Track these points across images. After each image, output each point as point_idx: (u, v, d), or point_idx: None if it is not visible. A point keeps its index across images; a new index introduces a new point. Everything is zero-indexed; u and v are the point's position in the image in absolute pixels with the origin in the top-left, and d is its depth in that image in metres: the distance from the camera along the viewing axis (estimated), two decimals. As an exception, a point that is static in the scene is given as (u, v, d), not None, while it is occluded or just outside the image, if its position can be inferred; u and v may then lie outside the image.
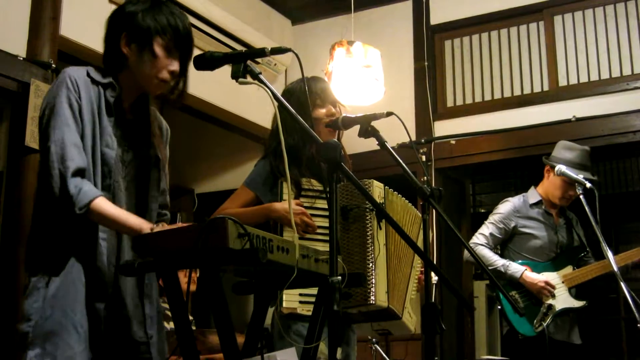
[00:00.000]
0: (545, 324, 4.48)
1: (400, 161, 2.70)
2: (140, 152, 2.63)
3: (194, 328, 4.96)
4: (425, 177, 4.04)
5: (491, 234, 4.71)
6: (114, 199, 2.49)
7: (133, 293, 2.58)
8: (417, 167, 5.38)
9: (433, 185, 2.98)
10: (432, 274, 3.24)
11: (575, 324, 4.62)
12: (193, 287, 5.49)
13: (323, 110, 3.29)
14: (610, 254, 4.05)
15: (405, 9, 6.55)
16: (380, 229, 3.11)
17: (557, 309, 4.50)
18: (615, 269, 4.02)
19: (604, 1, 5.87)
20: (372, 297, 3.03)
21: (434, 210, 2.73)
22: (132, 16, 2.54)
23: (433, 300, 2.76)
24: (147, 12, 2.53)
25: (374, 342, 5.48)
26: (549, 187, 4.70)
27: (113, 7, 4.95)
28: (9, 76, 4.15)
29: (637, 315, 3.86)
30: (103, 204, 2.37)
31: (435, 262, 4.84)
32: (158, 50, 2.51)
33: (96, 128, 2.47)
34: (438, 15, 6.42)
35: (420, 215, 3.34)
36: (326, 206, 3.10)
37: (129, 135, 2.60)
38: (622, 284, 3.93)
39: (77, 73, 2.49)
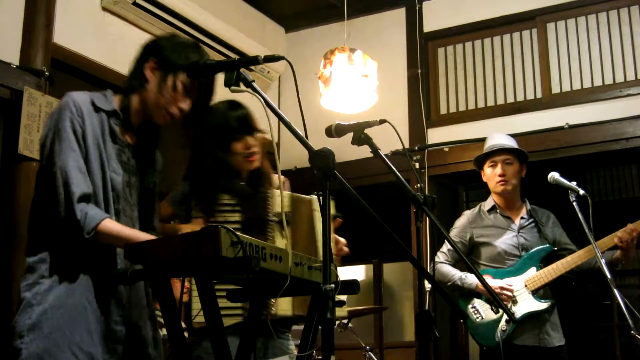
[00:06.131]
0: (506, 333, 4.42)
1: (394, 169, 2.70)
2: (144, 177, 2.67)
3: (186, 335, 4.95)
4: (418, 185, 4.03)
5: (449, 250, 4.69)
6: (124, 222, 2.52)
7: (144, 313, 2.61)
8: (410, 174, 5.40)
9: (426, 192, 2.98)
10: (426, 281, 3.23)
11: (548, 326, 4.50)
12: (186, 298, 5.47)
13: (240, 144, 3.23)
14: (603, 261, 4.04)
15: (399, 16, 6.56)
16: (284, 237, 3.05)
17: (518, 316, 4.44)
18: (604, 266, 3.98)
19: (597, 9, 5.90)
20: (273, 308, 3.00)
21: (427, 218, 2.73)
22: (165, 47, 2.61)
23: (427, 307, 2.76)
24: (183, 48, 2.60)
25: (368, 349, 5.48)
26: (489, 185, 4.71)
27: (106, 15, 5.02)
28: (2, 84, 4.15)
29: (630, 322, 3.86)
30: (110, 225, 2.39)
31: (428, 270, 4.83)
32: (178, 84, 2.56)
33: (102, 154, 2.50)
34: (431, 22, 6.43)
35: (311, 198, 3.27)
36: (239, 219, 3.09)
37: (134, 161, 2.64)
38: (616, 291, 3.92)
39: (80, 98, 2.52)
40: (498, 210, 4.69)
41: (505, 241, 4.59)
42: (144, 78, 2.60)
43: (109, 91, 2.63)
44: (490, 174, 4.64)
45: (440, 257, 4.71)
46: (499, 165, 4.58)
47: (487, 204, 4.75)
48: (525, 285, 4.47)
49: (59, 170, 2.40)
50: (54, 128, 2.46)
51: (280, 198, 3.05)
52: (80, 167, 2.43)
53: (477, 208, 4.79)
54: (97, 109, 2.53)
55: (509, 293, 4.42)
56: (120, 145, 2.58)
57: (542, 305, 4.44)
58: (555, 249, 4.57)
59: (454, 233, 4.73)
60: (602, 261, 4.03)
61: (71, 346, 2.37)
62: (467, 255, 4.66)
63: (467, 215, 4.78)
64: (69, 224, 2.38)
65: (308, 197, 3.22)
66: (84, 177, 2.43)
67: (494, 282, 4.46)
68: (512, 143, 4.67)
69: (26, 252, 2.49)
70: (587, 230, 4.05)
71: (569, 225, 4.75)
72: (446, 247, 4.73)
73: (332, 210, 3.18)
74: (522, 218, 4.65)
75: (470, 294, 4.53)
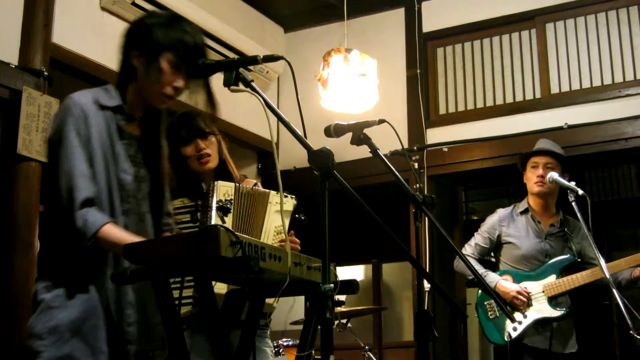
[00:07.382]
0: (516, 333, 4.47)
1: (393, 169, 2.70)
2: (152, 167, 2.64)
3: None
4: (417, 185, 4.04)
5: (477, 244, 4.81)
6: (133, 220, 2.52)
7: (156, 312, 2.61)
8: (409, 174, 5.40)
9: (425, 192, 2.96)
10: (425, 281, 3.23)
11: (561, 332, 4.55)
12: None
13: (190, 148, 3.28)
14: (602, 261, 4.04)
15: (398, 16, 6.56)
16: (224, 222, 3.09)
17: (530, 319, 4.49)
18: (607, 275, 4.00)
19: (596, 9, 5.89)
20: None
21: (426, 218, 2.73)
22: (145, 29, 2.55)
23: (426, 307, 2.76)
24: (160, 27, 2.53)
25: (367, 349, 5.48)
26: (527, 186, 4.76)
27: (105, 14, 5.01)
28: (1, 84, 4.14)
29: (629, 322, 3.86)
30: (109, 232, 2.37)
31: (427, 270, 4.84)
32: (164, 65, 2.50)
33: (108, 154, 2.48)
34: (430, 22, 6.43)
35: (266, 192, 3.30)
36: (189, 218, 3.17)
37: (141, 152, 2.61)
38: (615, 291, 3.92)
39: (83, 100, 2.49)
40: (530, 214, 4.73)
41: (531, 245, 4.65)
42: (132, 68, 2.56)
43: (110, 85, 2.60)
44: (531, 175, 4.69)
45: (466, 249, 4.80)
46: (540, 167, 4.63)
47: (521, 205, 4.81)
48: (543, 291, 4.52)
49: (63, 175, 2.40)
50: (58, 132, 2.45)
51: (223, 187, 3.13)
52: (84, 172, 2.41)
53: (510, 207, 4.86)
54: (101, 107, 2.51)
55: (523, 299, 4.49)
56: (127, 140, 2.56)
57: (556, 312, 4.50)
58: (579, 260, 4.62)
59: (483, 229, 4.85)
60: (602, 261, 4.04)
61: (91, 349, 2.39)
62: (496, 254, 4.81)
63: (499, 213, 4.85)
64: (72, 231, 2.37)
65: (266, 190, 3.29)
66: (88, 182, 2.41)
67: (512, 286, 4.53)
68: (558, 151, 4.72)
69: (41, 255, 2.50)
70: (586, 230, 4.06)
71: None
72: (474, 240, 4.84)
73: (290, 207, 3.26)
74: (552, 225, 4.71)
75: (487, 291, 4.58)
